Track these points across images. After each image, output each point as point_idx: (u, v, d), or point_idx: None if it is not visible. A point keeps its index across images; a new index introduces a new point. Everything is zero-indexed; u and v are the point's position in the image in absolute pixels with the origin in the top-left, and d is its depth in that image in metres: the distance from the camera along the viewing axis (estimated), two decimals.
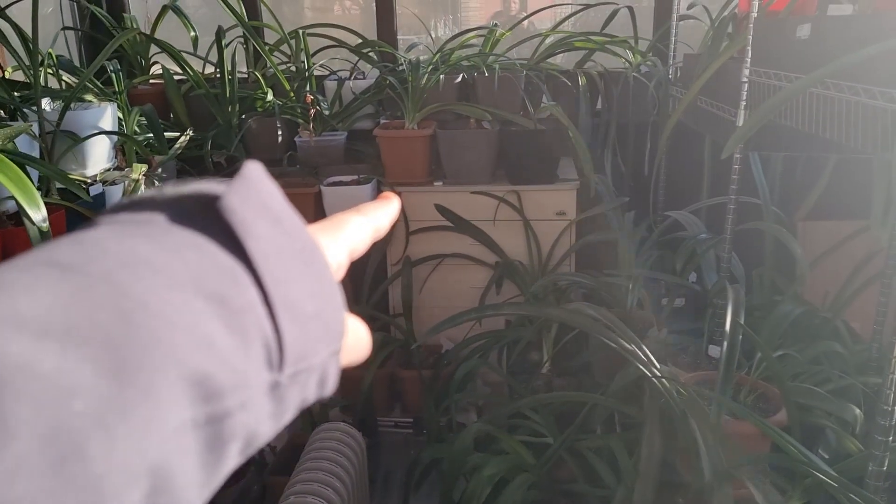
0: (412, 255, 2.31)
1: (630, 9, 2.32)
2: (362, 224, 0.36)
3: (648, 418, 1.43)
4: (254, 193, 0.26)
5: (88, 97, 1.97)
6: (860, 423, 1.42)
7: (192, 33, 2.33)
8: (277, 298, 0.25)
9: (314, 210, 2.16)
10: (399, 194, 2.06)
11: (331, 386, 0.29)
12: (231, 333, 0.23)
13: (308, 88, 2.31)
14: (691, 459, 1.34)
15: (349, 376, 2.17)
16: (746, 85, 1.58)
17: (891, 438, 1.12)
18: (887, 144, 1.11)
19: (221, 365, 0.23)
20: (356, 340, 0.34)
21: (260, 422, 0.25)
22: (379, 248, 2.28)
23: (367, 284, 2.32)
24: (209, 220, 0.25)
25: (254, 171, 0.27)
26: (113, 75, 2.03)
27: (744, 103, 1.59)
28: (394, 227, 2.26)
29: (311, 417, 2.07)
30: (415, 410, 2.28)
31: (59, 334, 0.20)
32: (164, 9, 2.31)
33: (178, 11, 2.28)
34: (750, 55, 1.57)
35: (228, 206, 0.25)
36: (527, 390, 1.92)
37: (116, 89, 2.03)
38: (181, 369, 0.21)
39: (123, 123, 1.98)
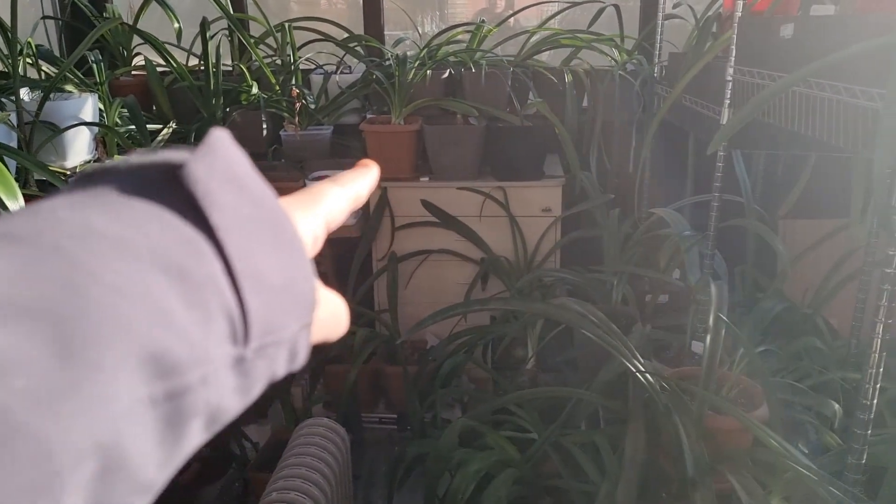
0: (398, 251, 2.31)
1: (616, 7, 2.33)
2: (340, 194, 0.35)
3: (632, 413, 1.44)
4: (220, 162, 0.25)
5: (69, 88, 1.95)
6: (839, 418, 1.44)
7: (176, 24, 2.31)
8: (241, 270, 0.24)
9: None
10: (385, 189, 2.06)
11: (301, 359, 0.28)
12: (190, 307, 0.23)
13: (294, 82, 2.30)
14: (675, 454, 1.36)
15: (333, 372, 2.18)
16: (730, 84, 1.60)
17: (869, 432, 1.14)
18: (867, 143, 1.12)
19: (179, 339, 0.22)
20: (331, 314, 0.33)
21: (224, 397, 0.24)
22: (364, 244, 2.28)
23: (352, 280, 2.31)
24: (173, 189, 0.24)
25: (221, 140, 0.26)
26: (94, 66, 2.01)
27: (728, 102, 1.60)
28: (380, 223, 2.27)
29: (294, 413, 2.07)
30: (399, 406, 2.28)
31: (1, 307, 0.19)
32: None
33: (162, 2, 2.26)
34: (734, 54, 1.58)
35: (192, 174, 0.24)
36: (511, 386, 1.92)
37: (98, 80, 2.01)
38: (135, 344, 0.21)
39: (105, 115, 1.96)
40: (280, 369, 0.27)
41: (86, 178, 0.25)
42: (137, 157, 0.25)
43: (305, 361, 0.29)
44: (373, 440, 2.28)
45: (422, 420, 2.05)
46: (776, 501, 1.34)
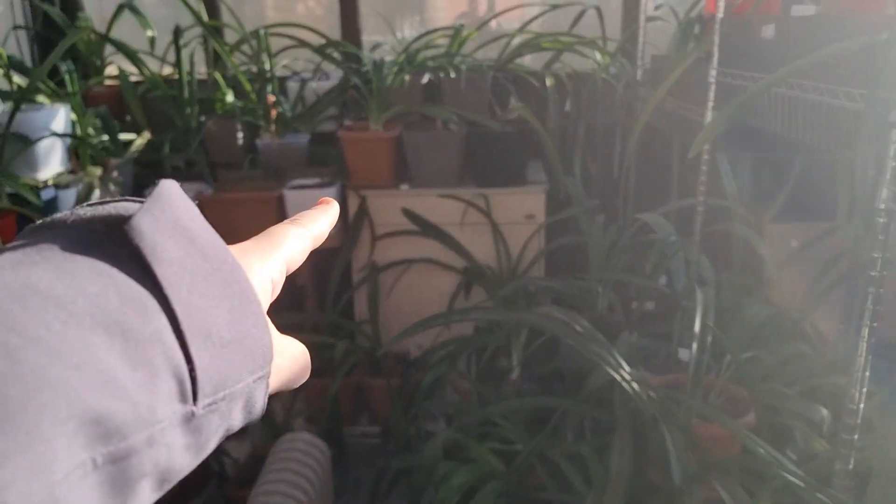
0: (378, 261, 2.27)
1: (598, 9, 2.30)
2: (299, 236, 0.35)
3: (619, 423, 1.41)
4: (167, 214, 0.25)
5: (40, 98, 1.90)
6: (827, 424, 1.42)
7: (150, 32, 2.27)
8: (189, 326, 0.24)
9: (276, 214, 2.11)
10: (364, 198, 2.03)
11: (259, 410, 0.28)
12: (134, 366, 0.22)
13: (270, 89, 2.26)
14: (662, 463, 1.33)
15: (314, 386, 2.13)
16: (713, 86, 1.58)
17: (856, 437, 1.11)
18: (850, 144, 1.10)
19: (122, 401, 0.21)
20: (291, 361, 0.32)
21: (174, 456, 0.24)
22: (344, 254, 2.24)
23: (331, 291, 2.27)
24: (120, 243, 0.24)
25: (169, 190, 0.26)
26: (66, 76, 1.97)
27: (711, 104, 1.58)
28: (359, 233, 2.23)
29: (274, 428, 2.02)
30: (382, 419, 2.24)
31: None
32: (121, 7, 2.24)
33: (135, 10, 2.22)
34: (716, 56, 1.56)
35: (137, 228, 0.24)
36: (496, 397, 1.89)
37: (70, 90, 1.96)
38: (74, 409, 0.20)
39: (77, 125, 1.91)
40: (236, 422, 0.27)
41: (34, 231, 0.25)
42: (85, 210, 0.25)
43: (263, 412, 0.28)
44: (356, 454, 2.24)
45: (406, 433, 2.01)
46: None
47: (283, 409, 2.23)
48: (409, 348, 2.31)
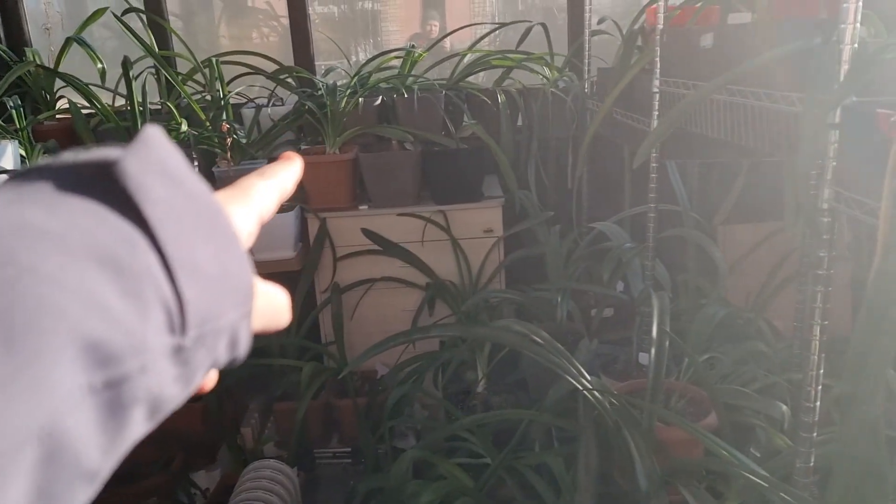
0: (341, 282, 2.27)
1: (543, 25, 2.35)
2: (268, 187, 0.36)
3: (583, 432, 1.42)
4: (153, 157, 0.26)
5: None
6: (788, 419, 1.45)
7: (99, 65, 2.25)
8: (177, 261, 0.25)
9: None
10: (324, 220, 2.03)
11: (243, 348, 0.29)
12: (127, 298, 0.23)
13: (224, 117, 2.25)
14: (628, 469, 1.34)
15: (282, 410, 2.11)
16: (657, 95, 1.62)
17: (815, 435, 1.14)
18: (791, 146, 1.14)
19: (117, 329, 0.22)
20: (270, 304, 0.33)
21: (164, 385, 0.24)
22: (306, 276, 2.24)
23: (295, 314, 2.26)
24: (107, 185, 0.25)
25: (154, 136, 0.27)
26: (13, 111, 1.94)
27: (656, 113, 1.62)
28: (320, 254, 2.23)
29: (243, 455, 2.00)
30: (352, 440, 2.23)
31: None
32: (68, 41, 2.23)
33: (83, 43, 2.20)
34: (658, 66, 1.60)
35: (125, 170, 0.25)
36: (462, 411, 1.90)
37: (18, 126, 1.94)
38: (73, 334, 0.21)
39: (27, 161, 1.89)
40: (221, 357, 0.28)
41: (20, 177, 0.25)
42: (72, 155, 0.26)
43: (248, 349, 0.29)
44: (328, 476, 2.22)
45: (375, 452, 2.01)
46: None
47: (253, 434, 2.21)
48: (375, 367, 2.31)
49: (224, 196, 0.33)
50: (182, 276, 0.25)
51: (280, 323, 0.34)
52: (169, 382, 0.25)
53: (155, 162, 0.26)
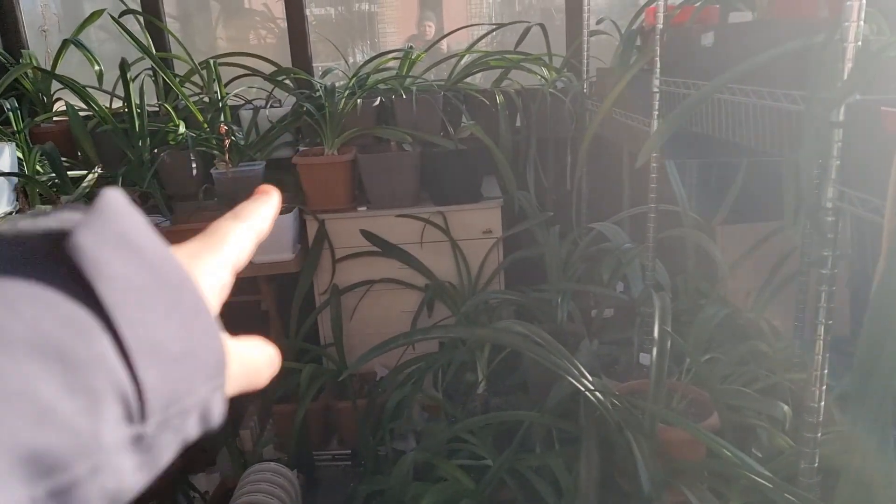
0: (340, 283, 2.26)
1: (542, 26, 2.34)
2: (243, 231, 0.33)
3: (585, 433, 1.42)
4: (111, 226, 0.24)
5: None
6: (789, 420, 1.44)
7: (97, 67, 2.24)
8: (134, 344, 0.23)
9: None
10: (323, 221, 2.02)
11: (216, 419, 0.27)
12: (75, 395, 0.21)
13: (222, 119, 2.24)
14: (630, 470, 1.34)
15: (282, 412, 2.11)
16: (657, 95, 1.61)
17: (819, 435, 1.14)
18: (793, 145, 1.13)
19: (62, 433, 0.21)
20: (247, 365, 0.31)
21: (124, 479, 0.23)
22: (305, 278, 2.23)
23: (294, 316, 2.26)
24: (60, 259, 0.23)
25: (113, 201, 0.25)
26: (10, 114, 1.93)
27: (656, 113, 1.61)
28: (319, 256, 2.22)
29: (242, 459, 1.99)
30: (352, 442, 2.22)
31: None
32: (66, 43, 2.22)
33: (80, 45, 2.19)
34: (658, 66, 1.60)
35: (78, 244, 0.23)
36: (463, 413, 1.89)
37: (15, 129, 1.92)
38: (9, 447, 0.19)
39: (24, 163, 1.88)
40: (192, 433, 0.26)
41: None
42: (26, 222, 0.24)
43: (222, 419, 0.28)
44: (328, 478, 2.21)
45: (375, 454, 2.00)
46: None
47: (253, 437, 2.20)
48: (374, 369, 2.30)
49: (193, 249, 0.31)
50: (140, 359, 0.23)
51: (260, 382, 0.32)
52: (129, 474, 0.23)
53: (113, 231, 0.24)
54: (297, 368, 2.13)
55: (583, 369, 1.43)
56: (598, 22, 2.21)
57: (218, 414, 0.27)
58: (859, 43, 0.96)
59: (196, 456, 2.08)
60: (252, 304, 2.31)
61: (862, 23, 0.96)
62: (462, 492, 1.50)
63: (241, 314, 2.38)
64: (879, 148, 0.90)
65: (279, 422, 2.20)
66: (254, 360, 0.32)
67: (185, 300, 0.25)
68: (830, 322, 1.09)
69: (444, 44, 2.72)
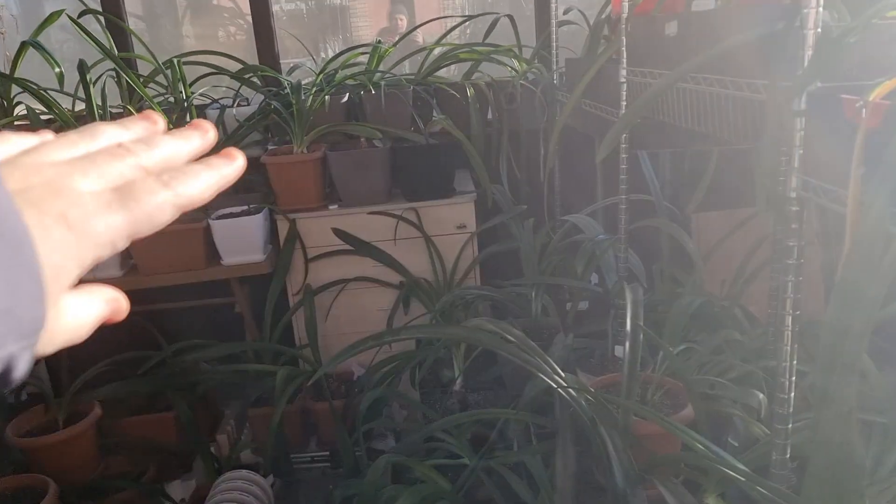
0: (313, 283, 2.23)
1: (510, 17, 2.32)
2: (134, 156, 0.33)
3: (560, 429, 1.40)
4: None
5: None
6: (764, 408, 1.44)
7: (57, 69, 2.19)
8: None
9: (203, 245, 2.06)
10: (294, 221, 2.00)
11: (18, 375, 0.28)
12: None
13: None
14: (605, 465, 1.33)
15: (258, 415, 2.07)
16: (625, 85, 1.59)
17: (790, 426, 1.13)
18: (756, 134, 1.12)
19: None
20: (73, 320, 0.31)
21: None
22: (277, 279, 2.20)
23: (268, 317, 2.23)
24: None
25: None
26: None
27: (624, 103, 1.60)
28: (291, 256, 2.19)
29: (218, 464, 1.96)
30: (330, 443, 2.20)
31: None
32: (24, 45, 2.17)
33: (39, 46, 2.14)
34: (625, 56, 1.58)
35: None
36: (440, 410, 1.87)
37: None
38: None
39: None
40: None
41: None
42: None
43: (24, 377, 0.28)
44: (307, 480, 2.19)
45: (353, 455, 1.98)
46: (712, 500, 1.33)
47: (230, 441, 2.17)
48: (351, 368, 2.28)
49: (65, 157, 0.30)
50: None
51: (79, 337, 0.32)
52: None
53: None
54: (272, 371, 2.11)
55: (556, 366, 1.42)
56: (566, 12, 2.19)
57: (22, 370, 0.28)
58: (819, 30, 0.95)
59: (171, 463, 2.05)
60: (226, 306, 2.28)
61: (821, 9, 0.95)
62: (438, 492, 1.48)
63: (214, 317, 2.35)
64: (841, 136, 0.89)
65: (256, 425, 2.17)
66: (79, 317, 0.32)
67: (19, 261, 0.26)
68: (798, 312, 1.08)
69: (418, 35, 2.69)
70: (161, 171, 0.33)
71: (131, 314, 0.34)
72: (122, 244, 0.31)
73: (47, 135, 0.36)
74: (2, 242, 0.25)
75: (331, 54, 2.65)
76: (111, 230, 0.30)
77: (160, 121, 0.35)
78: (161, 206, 0.32)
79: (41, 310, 0.27)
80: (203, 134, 0.36)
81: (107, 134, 0.34)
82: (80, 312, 0.31)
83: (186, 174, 0.34)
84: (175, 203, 0.32)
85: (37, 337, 0.28)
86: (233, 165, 0.36)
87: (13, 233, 0.26)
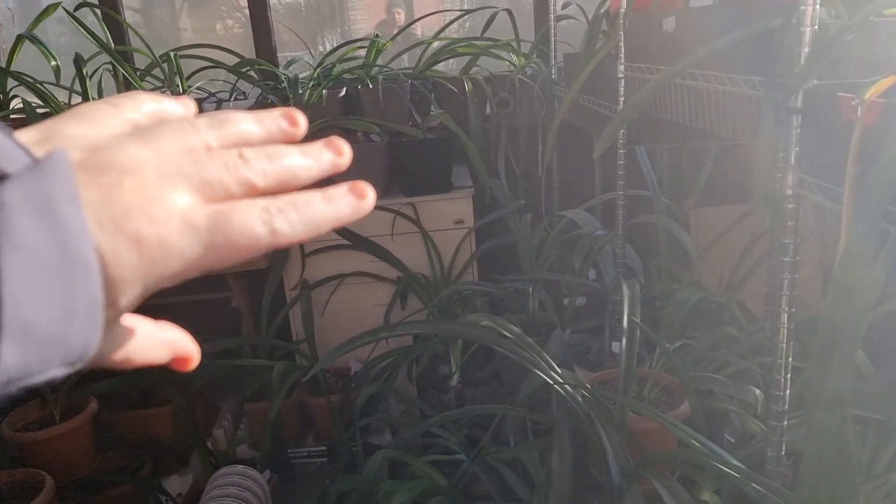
0: (310, 278, 2.23)
1: (509, 11, 2.31)
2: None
3: (557, 425, 1.40)
4: (41, 188, 0.24)
5: None
6: (761, 404, 1.44)
7: (53, 62, 2.18)
8: (10, 320, 0.23)
9: None
10: None
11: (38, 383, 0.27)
12: None
13: None
14: (601, 461, 1.33)
15: (255, 410, 2.07)
16: (623, 81, 1.59)
17: (785, 422, 1.13)
18: (753, 131, 1.12)
19: None
20: (109, 353, 0.31)
21: None
22: (274, 274, 2.20)
23: (265, 312, 2.23)
24: None
25: (57, 162, 0.24)
26: None
27: (622, 99, 1.59)
28: (288, 251, 2.19)
29: (214, 458, 1.97)
30: (327, 438, 2.20)
31: None
32: (20, 38, 2.16)
33: (35, 40, 2.14)
34: (623, 51, 1.58)
35: (2, 200, 0.23)
36: (437, 405, 1.87)
37: None
38: None
39: None
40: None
41: None
42: None
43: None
44: (304, 475, 2.19)
45: (350, 450, 1.98)
46: (707, 496, 1.33)
47: (226, 436, 2.17)
48: (348, 363, 2.28)
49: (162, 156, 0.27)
50: (7, 336, 0.23)
51: (140, 360, 0.32)
52: None
53: (41, 194, 0.24)
54: (269, 366, 2.11)
55: (552, 362, 1.41)
56: (565, 6, 2.18)
57: (42, 381, 0.27)
58: (816, 27, 0.95)
59: (168, 457, 2.05)
60: (223, 301, 2.28)
61: (818, 6, 0.94)
62: (434, 488, 1.48)
63: (212, 312, 2.35)
64: (837, 134, 0.89)
65: (253, 420, 2.18)
66: (124, 352, 0.32)
67: (81, 286, 0.25)
68: (794, 310, 1.08)
69: (417, 29, 2.68)
70: (272, 192, 0.29)
71: None
72: (189, 277, 0.28)
73: (190, 104, 0.33)
74: (66, 266, 0.24)
75: (328, 48, 2.64)
76: (185, 262, 0.27)
77: (302, 124, 0.31)
78: (250, 245, 0.27)
79: (93, 339, 0.26)
80: (338, 155, 0.32)
81: (237, 125, 0.30)
82: (130, 345, 0.31)
83: (297, 209, 0.29)
84: (268, 242, 0.28)
85: (82, 364, 0.26)
86: (363, 205, 0.30)
87: (80, 259, 0.24)
